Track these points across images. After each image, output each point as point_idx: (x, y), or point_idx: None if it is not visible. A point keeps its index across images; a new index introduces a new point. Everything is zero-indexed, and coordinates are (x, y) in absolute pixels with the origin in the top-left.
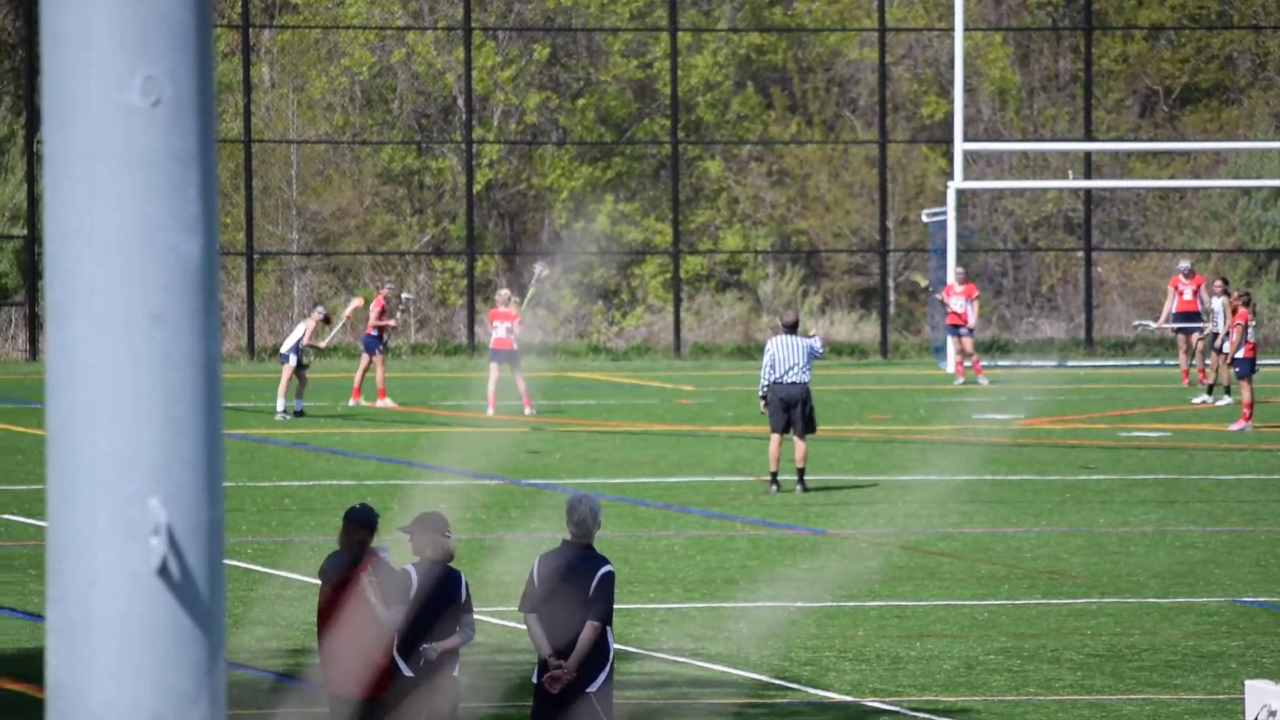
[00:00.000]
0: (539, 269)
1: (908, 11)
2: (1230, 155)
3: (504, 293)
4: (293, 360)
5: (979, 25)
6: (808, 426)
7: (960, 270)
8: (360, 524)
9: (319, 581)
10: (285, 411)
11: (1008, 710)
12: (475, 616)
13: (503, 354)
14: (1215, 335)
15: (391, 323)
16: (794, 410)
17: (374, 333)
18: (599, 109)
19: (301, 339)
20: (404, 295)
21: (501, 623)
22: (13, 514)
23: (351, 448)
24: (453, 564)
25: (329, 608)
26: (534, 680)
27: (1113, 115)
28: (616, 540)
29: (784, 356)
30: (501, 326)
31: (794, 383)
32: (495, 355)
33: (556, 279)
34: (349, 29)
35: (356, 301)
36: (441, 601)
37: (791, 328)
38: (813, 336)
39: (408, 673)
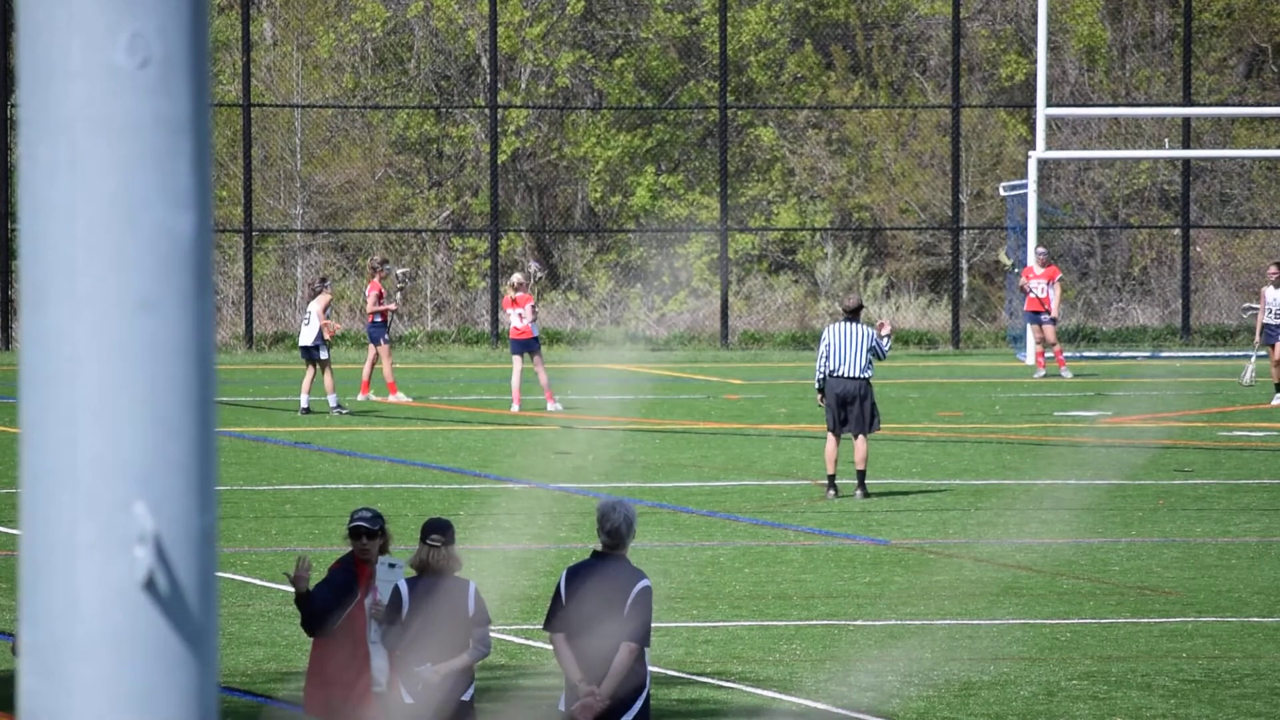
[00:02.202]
0: (533, 269)
1: None
2: None
3: (518, 276)
4: (324, 354)
5: None
6: (868, 425)
7: (1041, 251)
8: (353, 532)
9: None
10: (340, 406)
11: None
12: (497, 635)
13: (522, 343)
14: (1270, 329)
15: (393, 306)
16: (850, 408)
17: (376, 320)
18: (639, 70)
19: (320, 328)
20: (398, 271)
21: (526, 642)
22: None
23: (360, 448)
24: (460, 574)
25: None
26: (561, 708)
27: (1215, 76)
28: (655, 551)
29: (839, 347)
30: (515, 313)
31: (850, 377)
32: (515, 345)
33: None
34: None
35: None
36: (442, 616)
37: (853, 314)
38: (883, 335)
39: (408, 699)
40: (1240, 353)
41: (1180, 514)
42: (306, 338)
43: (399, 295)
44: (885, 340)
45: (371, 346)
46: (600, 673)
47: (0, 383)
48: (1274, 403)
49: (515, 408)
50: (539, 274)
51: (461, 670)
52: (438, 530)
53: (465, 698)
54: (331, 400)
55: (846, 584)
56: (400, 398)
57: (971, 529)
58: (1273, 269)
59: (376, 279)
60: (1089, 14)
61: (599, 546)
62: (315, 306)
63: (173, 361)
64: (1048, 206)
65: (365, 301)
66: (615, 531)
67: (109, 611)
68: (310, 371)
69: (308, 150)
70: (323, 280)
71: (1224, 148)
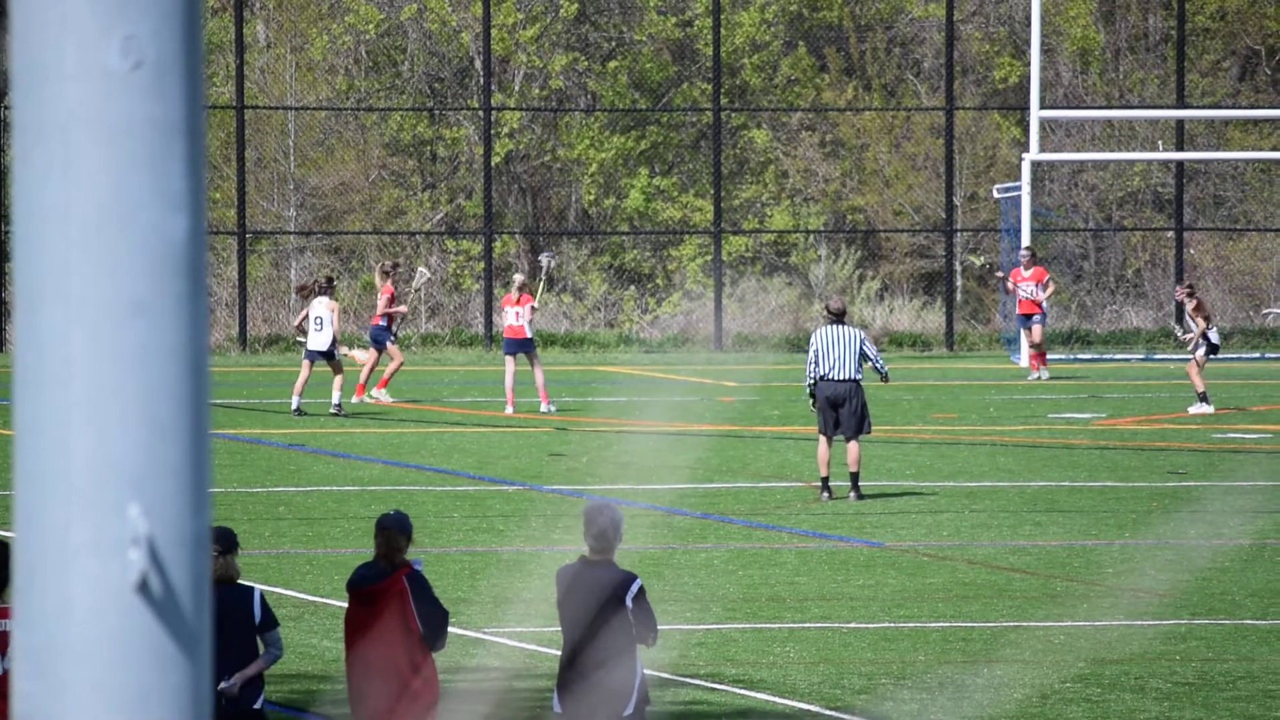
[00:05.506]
0: (545, 260)
1: None
2: None
3: (518, 277)
4: (337, 354)
5: None
6: (859, 428)
7: (1026, 252)
8: (399, 530)
9: (346, 595)
10: (339, 407)
11: None
12: (494, 638)
13: (517, 344)
14: (1195, 343)
15: (403, 309)
16: (841, 410)
17: (383, 323)
18: (632, 72)
19: (334, 328)
20: (423, 272)
21: (519, 645)
22: None
23: (354, 450)
24: (241, 581)
25: (356, 623)
26: (556, 709)
27: (1208, 79)
28: (649, 553)
29: (828, 350)
30: (512, 313)
31: (841, 380)
32: (509, 345)
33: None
34: None
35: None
36: (231, 627)
37: (839, 316)
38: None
39: None
40: (1234, 355)
41: (1174, 516)
42: (322, 342)
43: (416, 295)
44: (879, 361)
45: (373, 351)
46: (594, 682)
47: None
48: (1191, 410)
49: (509, 410)
50: (551, 262)
51: (254, 677)
52: (215, 540)
53: (255, 706)
54: (335, 398)
55: (840, 586)
56: (382, 396)
57: (965, 531)
58: (1180, 290)
59: (389, 282)
60: (1082, 17)
61: (585, 551)
62: (327, 313)
63: (166, 364)
64: (1041, 209)
65: (378, 304)
66: (602, 535)
67: (102, 614)
68: (304, 373)
69: (301, 152)
70: (329, 280)
71: (1217, 150)
